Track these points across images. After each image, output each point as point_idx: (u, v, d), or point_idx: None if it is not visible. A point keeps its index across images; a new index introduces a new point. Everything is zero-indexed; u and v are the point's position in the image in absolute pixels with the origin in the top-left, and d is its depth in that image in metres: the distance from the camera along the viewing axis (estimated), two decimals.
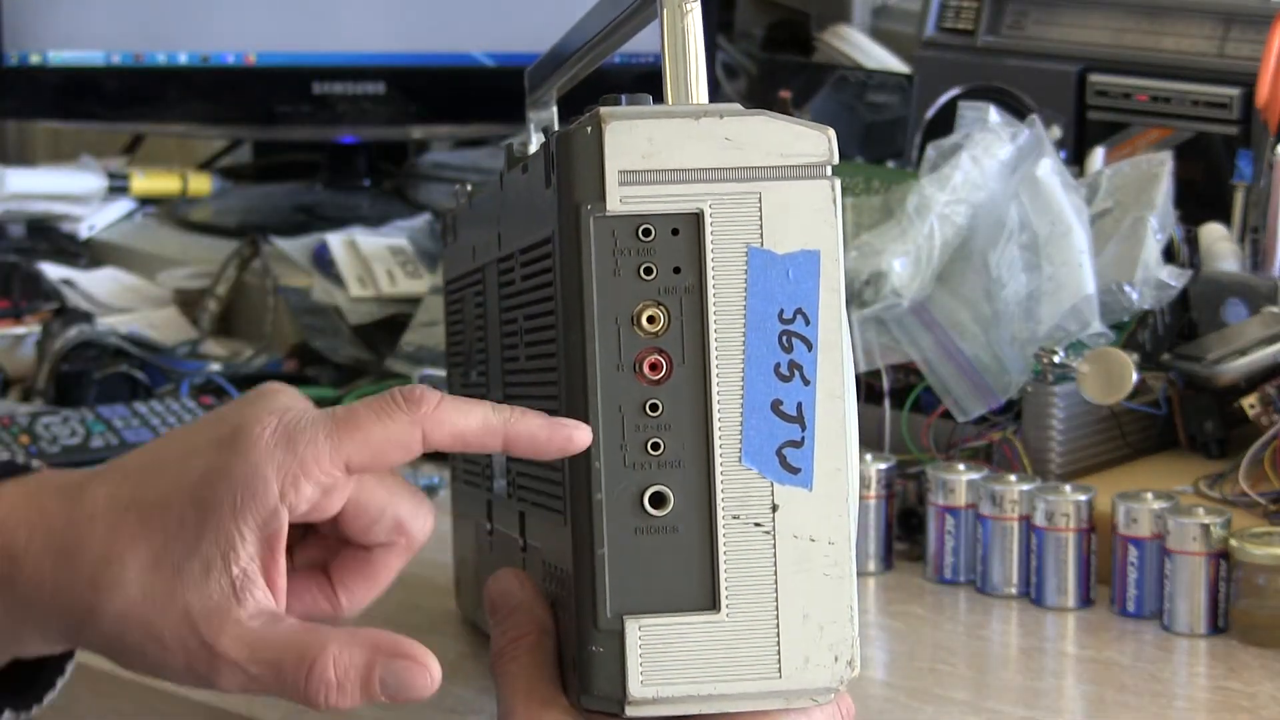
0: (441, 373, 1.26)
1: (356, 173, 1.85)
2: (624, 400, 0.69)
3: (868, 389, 1.19)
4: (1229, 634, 1.02)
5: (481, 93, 1.77)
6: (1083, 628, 1.04)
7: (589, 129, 0.69)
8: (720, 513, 0.69)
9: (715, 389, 0.69)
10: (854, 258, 1.18)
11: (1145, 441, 1.19)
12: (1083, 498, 1.06)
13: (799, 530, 0.69)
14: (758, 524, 0.69)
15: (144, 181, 1.82)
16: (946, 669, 0.99)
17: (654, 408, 0.70)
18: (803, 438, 0.69)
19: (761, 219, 0.70)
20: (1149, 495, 1.04)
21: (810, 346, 0.70)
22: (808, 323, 0.70)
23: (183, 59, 1.74)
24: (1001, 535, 1.07)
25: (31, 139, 2.30)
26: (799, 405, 0.69)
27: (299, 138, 1.85)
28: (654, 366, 0.70)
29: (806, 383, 0.70)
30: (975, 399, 1.15)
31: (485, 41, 1.76)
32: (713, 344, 0.69)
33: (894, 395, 1.18)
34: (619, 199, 0.69)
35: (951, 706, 0.94)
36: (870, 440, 1.18)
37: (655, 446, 0.69)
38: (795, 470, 0.69)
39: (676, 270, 0.70)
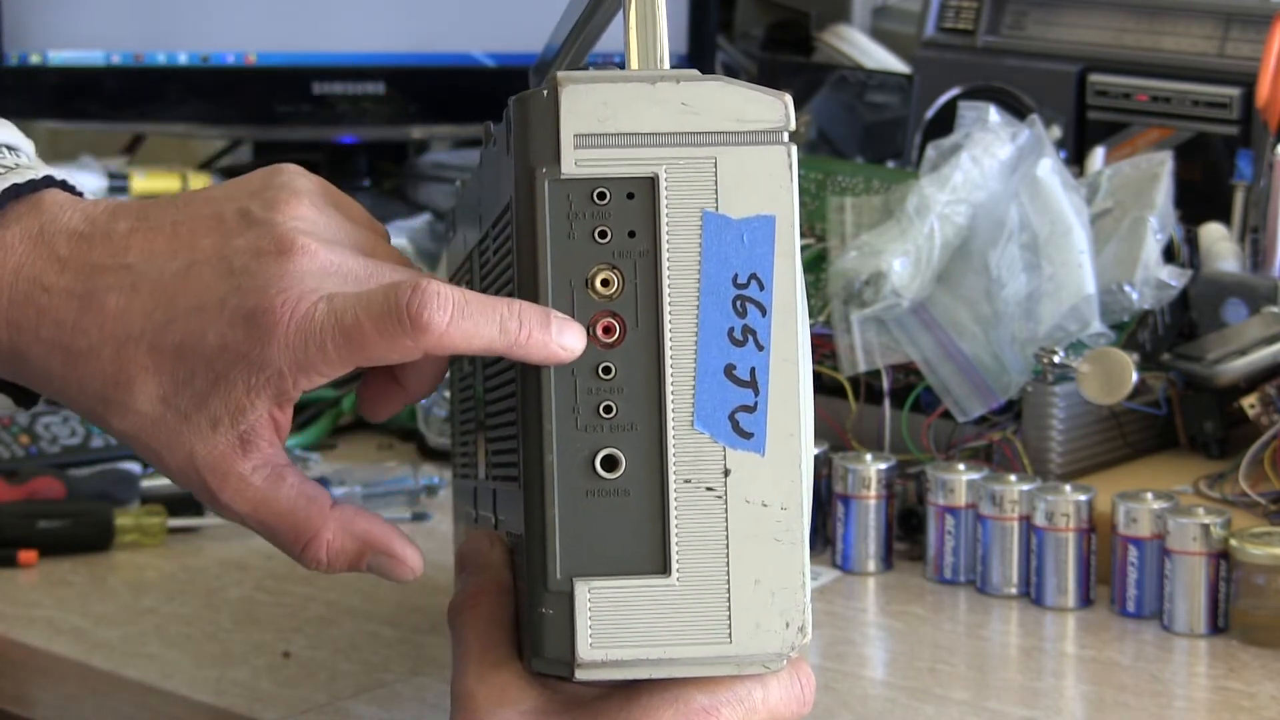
0: None
1: (356, 173, 1.84)
2: (577, 363, 0.69)
3: (867, 389, 1.19)
4: (1229, 634, 1.02)
5: (481, 93, 1.77)
6: (1083, 628, 1.04)
7: (545, 92, 0.69)
8: (672, 476, 0.69)
9: (668, 353, 0.69)
10: (854, 258, 1.18)
11: (1145, 441, 1.19)
12: (1083, 498, 1.06)
13: (751, 495, 0.69)
14: (709, 488, 0.69)
15: (144, 182, 1.82)
16: (946, 669, 0.99)
17: (607, 371, 0.69)
18: (756, 403, 0.69)
19: (717, 184, 0.69)
20: (1149, 495, 1.04)
21: (764, 312, 0.69)
22: (762, 288, 0.69)
23: (183, 59, 1.74)
24: (1001, 535, 1.07)
25: (31, 139, 2.29)
26: (752, 370, 0.69)
27: (299, 138, 1.85)
28: (607, 330, 0.69)
29: (760, 348, 0.69)
30: (975, 399, 1.15)
31: (485, 41, 1.76)
32: (666, 308, 0.69)
33: (894, 395, 1.18)
34: (574, 162, 0.69)
35: (951, 706, 0.94)
36: (870, 440, 1.18)
37: (608, 409, 0.69)
38: (748, 435, 0.69)
39: (631, 234, 0.69)
